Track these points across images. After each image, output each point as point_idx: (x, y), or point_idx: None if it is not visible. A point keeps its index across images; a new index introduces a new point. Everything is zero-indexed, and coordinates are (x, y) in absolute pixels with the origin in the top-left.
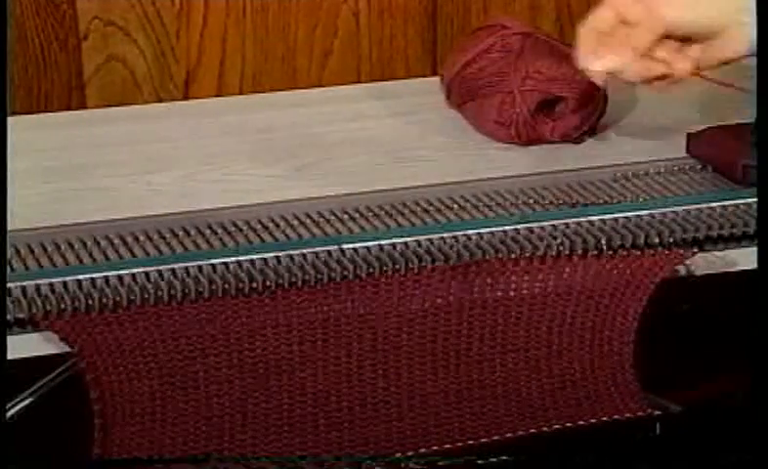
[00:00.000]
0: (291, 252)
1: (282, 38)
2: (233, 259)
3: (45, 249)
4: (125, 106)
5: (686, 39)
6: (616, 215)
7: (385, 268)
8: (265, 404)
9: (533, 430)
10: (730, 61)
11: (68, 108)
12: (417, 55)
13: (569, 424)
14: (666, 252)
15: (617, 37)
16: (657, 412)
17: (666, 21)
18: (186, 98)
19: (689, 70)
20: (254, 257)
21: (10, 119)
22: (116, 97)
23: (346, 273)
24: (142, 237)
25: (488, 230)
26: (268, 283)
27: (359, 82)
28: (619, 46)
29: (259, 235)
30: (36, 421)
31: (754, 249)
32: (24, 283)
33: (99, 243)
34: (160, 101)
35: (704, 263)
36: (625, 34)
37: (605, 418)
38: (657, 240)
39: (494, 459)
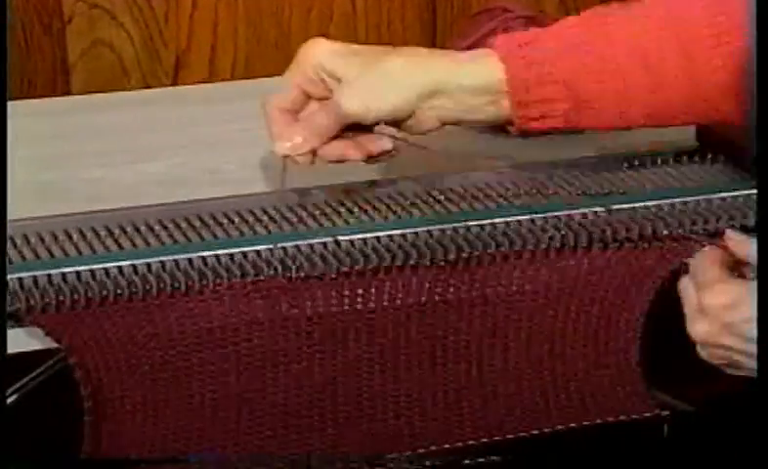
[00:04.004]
0: (285, 244)
1: (276, 22)
2: (225, 251)
3: (28, 241)
4: (112, 92)
5: None
6: (621, 205)
7: (382, 261)
8: (258, 399)
9: (535, 431)
10: (424, 133)
11: (52, 95)
12: (416, 40)
13: (572, 425)
14: (675, 244)
15: (306, 115)
16: (664, 412)
17: (347, 114)
18: (175, 84)
19: (359, 158)
20: (247, 249)
21: None
22: (102, 83)
23: (342, 266)
24: (130, 229)
25: (487, 222)
26: (261, 276)
27: None
28: (307, 127)
29: (252, 227)
30: (20, 419)
31: None
32: (7, 277)
33: (85, 235)
34: (148, 87)
35: None
36: (311, 114)
37: (610, 419)
38: (665, 232)
39: (495, 458)
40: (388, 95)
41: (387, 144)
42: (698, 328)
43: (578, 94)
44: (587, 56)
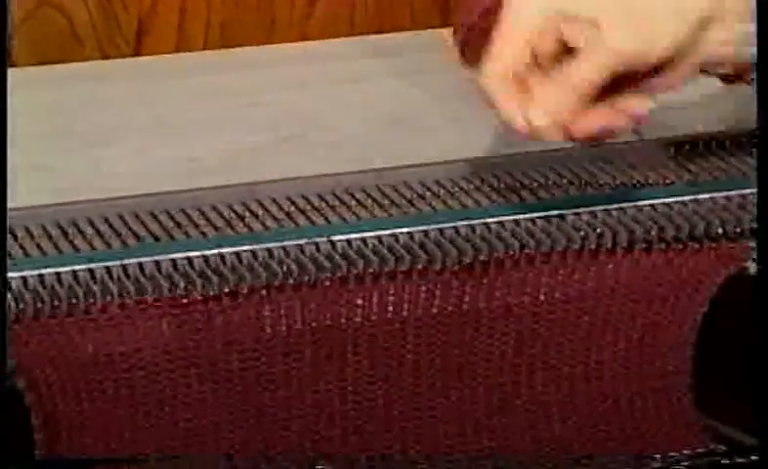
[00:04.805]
0: (270, 245)
1: None
2: (198, 253)
3: None
4: (61, 63)
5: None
6: (669, 199)
7: (384, 265)
8: (238, 425)
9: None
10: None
11: None
12: (424, 1)
13: (612, 464)
14: (731, 245)
15: (538, 80)
16: (722, 447)
17: (622, 56)
18: (137, 54)
19: (626, 125)
20: (225, 250)
21: None
22: (51, 52)
23: (337, 271)
24: (87, 227)
25: (510, 218)
26: (240, 282)
27: (351, 35)
28: (555, 90)
29: (230, 224)
30: None
31: None
32: None
33: (32, 234)
34: (106, 58)
35: None
36: (549, 75)
37: (656, 455)
38: (720, 231)
39: None
40: (666, 26)
41: (650, 101)
42: None
43: None
44: None
